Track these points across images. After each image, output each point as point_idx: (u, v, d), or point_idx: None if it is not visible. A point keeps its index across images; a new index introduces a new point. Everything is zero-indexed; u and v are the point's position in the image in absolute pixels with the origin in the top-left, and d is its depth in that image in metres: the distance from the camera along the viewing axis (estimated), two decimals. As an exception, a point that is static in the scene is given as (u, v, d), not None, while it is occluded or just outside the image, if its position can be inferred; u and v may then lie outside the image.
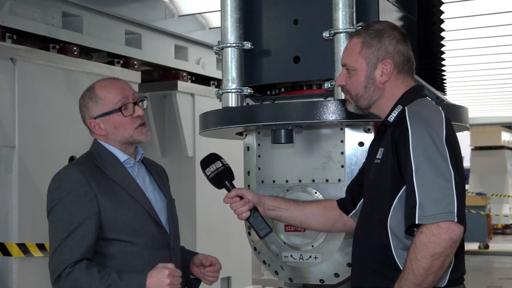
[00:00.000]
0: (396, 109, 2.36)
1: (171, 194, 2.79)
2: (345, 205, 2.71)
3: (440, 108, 2.36)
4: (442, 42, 3.68)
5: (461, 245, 2.28)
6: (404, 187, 2.23)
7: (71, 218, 2.45)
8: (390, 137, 2.31)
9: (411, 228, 2.19)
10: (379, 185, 2.35)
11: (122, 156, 2.63)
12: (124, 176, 2.59)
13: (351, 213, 2.68)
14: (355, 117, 2.81)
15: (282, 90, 3.32)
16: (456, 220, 2.11)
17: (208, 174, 2.71)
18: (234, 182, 2.73)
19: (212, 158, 2.72)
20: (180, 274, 2.45)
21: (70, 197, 2.47)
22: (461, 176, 2.23)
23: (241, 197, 2.68)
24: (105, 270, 2.41)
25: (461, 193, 2.17)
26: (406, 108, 2.32)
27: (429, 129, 2.21)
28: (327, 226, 2.77)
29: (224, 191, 2.73)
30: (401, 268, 2.22)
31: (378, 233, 2.31)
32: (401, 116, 2.30)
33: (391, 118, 2.36)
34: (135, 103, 2.63)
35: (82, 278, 2.39)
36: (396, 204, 2.27)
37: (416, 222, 2.14)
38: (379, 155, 2.37)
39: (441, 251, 2.11)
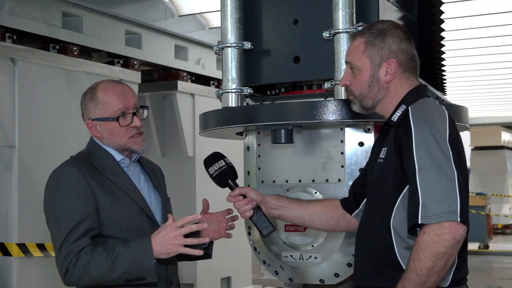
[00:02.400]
0: (399, 108, 2.36)
1: (166, 193, 2.79)
2: (348, 204, 2.71)
3: (444, 107, 2.36)
4: (442, 42, 3.68)
5: (464, 245, 2.27)
6: (407, 186, 2.22)
7: (72, 215, 2.46)
8: (393, 136, 2.31)
9: (413, 228, 2.19)
10: (382, 184, 2.34)
11: (117, 156, 2.64)
12: (119, 174, 2.60)
13: (354, 213, 2.68)
14: (355, 117, 2.81)
15: (282, 90, 3.31)
16: (459, 220, 2.11)
17: (211, 173, 2.70)
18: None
19: (215, 157, 2.72)
20: (182, 223, 2.42)
21: (70, 194, 2.48)
22: (465, 175, 2.22)
23: (244, 196, 2.68)
24: (111, 246, 2.43)
25: (464, 192, 2.16)
26: (409, 107, 2.31)
27: (432, 129, 2.20)
28: (330, 225, 2.76)
29: (225, 191, 2.73)
30: (404, 267, 2.21)
31: (381, 232, 2.31)
32: (405, 115, 2.30)
33: (395, 117, 2.36)
34: (134, 113, 2.61)
35: (89, 261, 2.39)
36: (399, 204, 2.27)
37: (419, 222, 2.13)
38: (382, 154, 2.37)
39: (444, 251, 2.11)
